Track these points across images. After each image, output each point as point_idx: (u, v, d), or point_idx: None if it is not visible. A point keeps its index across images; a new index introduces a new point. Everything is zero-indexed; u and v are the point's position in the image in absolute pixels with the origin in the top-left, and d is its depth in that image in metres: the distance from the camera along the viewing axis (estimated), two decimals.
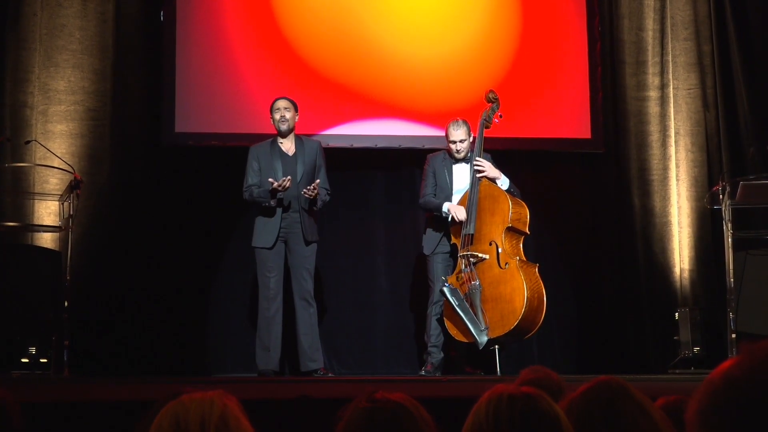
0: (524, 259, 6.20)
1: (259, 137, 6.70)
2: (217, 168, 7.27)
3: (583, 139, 7.60)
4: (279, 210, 6.21)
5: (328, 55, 7.40)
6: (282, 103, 6.35)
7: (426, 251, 6.51)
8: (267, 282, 6.17)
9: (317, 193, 6.14)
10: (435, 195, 6.46)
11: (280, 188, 6.05)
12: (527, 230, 6.26)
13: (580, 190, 7.77)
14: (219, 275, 7.32)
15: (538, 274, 6.16)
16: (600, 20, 7.74)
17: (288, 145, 6.35)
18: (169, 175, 7.23)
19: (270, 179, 6.05)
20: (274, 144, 6.34)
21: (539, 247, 7.28)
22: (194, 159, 7.29)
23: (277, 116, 6.31)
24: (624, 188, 7.61)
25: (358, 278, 7.52)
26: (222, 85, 7.30)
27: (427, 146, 7.16)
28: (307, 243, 6.25)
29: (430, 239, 6.50)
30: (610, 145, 7.66)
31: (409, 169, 7.49)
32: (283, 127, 6.30)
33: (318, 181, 6.17)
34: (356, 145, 7.36)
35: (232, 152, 7.04)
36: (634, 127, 7.62)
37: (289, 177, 6.06)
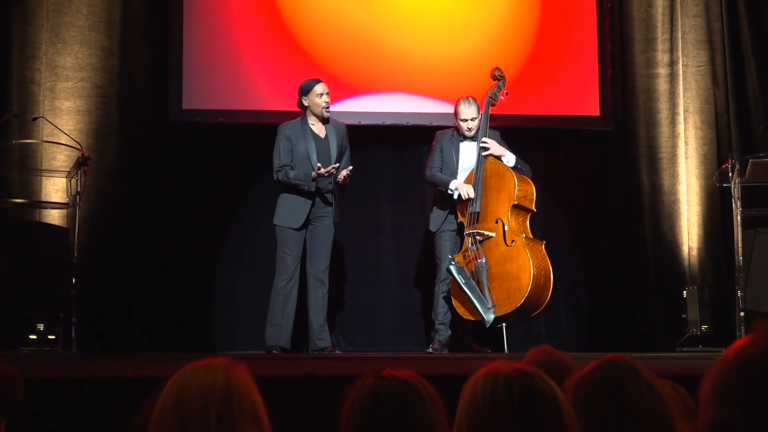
0: (531, 236, 6.18)
1: (265, 114, 6.79)
2: (224, 144, 7.29)
3: (592, 117, 7.57)
4: (311, 192, 6.20)
5: (336, 30, 7.38)
6: (324, 87, 6.25)
7: (432, 228, 6.50)
8: (285, 261, 6.17)
9: (347, 179, 6.19)
10: (441, 171, 6.44)
11: (326, 174, 6.03)
12: (534, 207, 6.24)
13: (589, 168, 7.73)
14: (225, 252, 7.32)
15: (544, 252, 6.14)
16: None
17: (319, 127, 6.30)
18: (177, 152, 7.22)
19: (319, 164, 6.02)
20: (305, 125, 6.27)
21: (547, 224, 7.26)
22: (201, 136, 7.29)
23: (323, 101, 6.20)
24: (632, 166, 7.59)
25: (365, 255, 7.51)
26: (228, 62, 7.28)
27: (435, 123, 7.13)
28: (333, 223, 6.29)
29: (437, 217, 6.49)
30: (619, 122, 7.63)
31: (417, 146, 7.45)
32: (327, 113, 6.26)
33: (351, 167, 6.19)
34: (364, 122, 7.31)
35: (239, 129, 7.14)
36: (642, 105, 7.59)
37: (337, 164, 6.09)
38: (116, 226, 6.89)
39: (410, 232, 7.51)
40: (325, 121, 6.25)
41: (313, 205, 6.16)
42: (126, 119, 7.04)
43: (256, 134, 7.06)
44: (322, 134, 6.27)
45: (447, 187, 6.30)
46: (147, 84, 7.17)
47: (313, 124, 6.25)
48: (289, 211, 6.20)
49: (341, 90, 7.01)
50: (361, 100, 7.44)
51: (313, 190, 6.12)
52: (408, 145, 7.59)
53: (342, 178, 6.10)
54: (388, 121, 7.46)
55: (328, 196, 6.24)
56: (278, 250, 6.25)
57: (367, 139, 7.25)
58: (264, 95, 7.22)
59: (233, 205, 7.34)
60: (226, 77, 7.26)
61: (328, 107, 6.21)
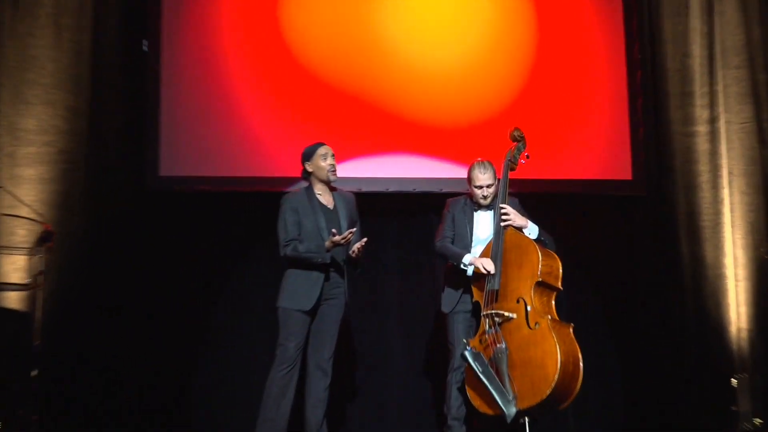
0: (557, 317, 6.02)
1: (257, 181, 6.74)
2: (209, 216, 7.20)
3: (623, 181, 7.48)
4: (322, 268, 6.10)
5: (334, 85, 7.32)
6: (328, 150, 6.26)
7: (445, 309, 6.37)
8: (287, 350, 6.07)
9: (362, 253, 6.07)
10: (453, 242, 6.33)
11: (343, 242, 5.94)
12: (559, 285, 6.08)
13: (620, 239, 7.60)
14: (209, 335, 7.25)
15: (572, 335, 5.99)
16: (640, 46, 7.63)
17: (327, 198, 6.28)
18: (154, 225, 7.11)
19: (333, 230, 5.94)
20: (311, 195, 6.24)
21: (574, 304, 7.08)
22: (182, 206, 7.18)
23: (328, 164, 6.22)
24: (670, 236, 7.42)
25: (369, 339, 7.40)
26: (213, 122, 7.20)
27: (445, 190, 7.08)
28: (345, 305, 6.23)
29: (449, 295, 6.36)
30: (654, 187, 7.54)
31: (425, 215, 7.35)
32: (334, 177, 6.24)
33: (365, 239, 6.07)
34: (366, 189, 7.20)
35: (226, 198, 7.08)
36: (680, 167, 7.45)
37: (353, 229, 6.02)
38: (84, 309, 6.69)
39: (419, 312, 7.39)
40: (332, 188, 6.23)
41: (326, 282, 6.08)
42: (96, 188, 6.89)
43: (246, 204, 6.99)
44: (331, 205, 6.24)
45: (460, 261, 6.18)
46: (119, 149, 7.07)
47: (320, 195, 6.22)
48: (299, 290, 6.09)
49: (339, 152, 6.75)
50: (362, 163, 7.33)
51: (328, 261, 6.02)
52: (415, 214, 7.48)
53: (356, 251, 6.00)
54: (393, 188, 7.35)
55: (337, 276, 6.16)
56: (280, 336, 6.11)
57: (368, 208, 7.04)
58: (255, 160, 7.12)
59: (219, 286, 7.24)
60: (210, 140, 7.17)
61: (334, 170, 6.20)
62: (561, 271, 6.09)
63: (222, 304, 7.32)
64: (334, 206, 6.23)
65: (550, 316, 5.95)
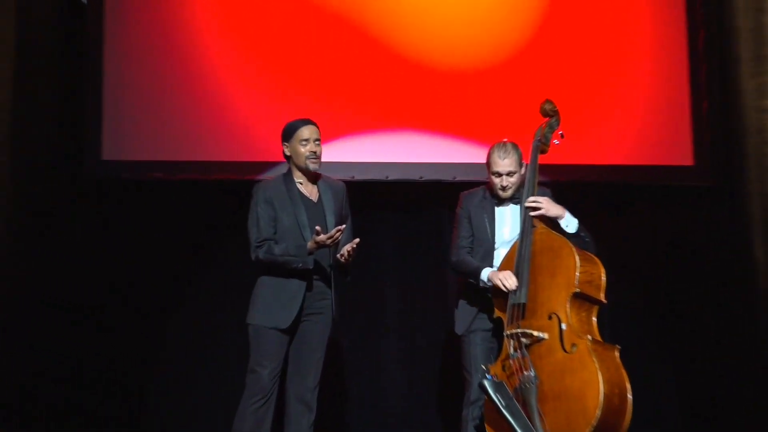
0: (599, 338, 5.56)
1: (224, 167, 6.51)
2: (161, 208, 6.96)
3: (683, 167, 7.21)
4: (303, 276, 5.69)
5: (320, 48, 7.07)
6: (312, 131, 5.78)
7: (459, 329, 5.90)
8: (260, 377, 5.66)
9: (353, 257, 5.69)
10: (473, 250, 5.86)
11: (329, 243, 5.49)
12: (602, 297, 5.61)
13: (679, 239, 7.33)
14: (163, 354, 7.04)
15: (618, 360, 5.51)
16: (703, 0, 7.36)
17: (309, 187, 5.84)
18: (94, 218, 6.90)
19: (318, 227, 5.49)
20: (290, 184, 5.81)
21: (620, 320, 6.84)
22: (128, 196, 6.95)
23: (307, 150, 5.77)
24: (742, 234, 6.94)
25: (364, 364, 7.14)
26: (170, 95, 6.96)
27: (459, 179, 6.78)
28: (333, 322, 5.83)
29: (464, 312, 5.89)
30: (721, 174, 7.19)
31: (433, 210, 7.10)
32: (314, 165, 5.78)
33: (357, 240, 5.63)
34: (360, 177, 6.89)
35: (184, 187, 6.90)
36: (754, 150, 6.94)
37: (342, 226, 5.60)
38: (5, 323, 6.38)
39: (426, 332, 7.12)
40: (316, 175, 5.83)
41: (308, 293, 5.66)
42: (21, 173, 6.56)
43: (210, 195, 6.86)
44: (314, 196, 5.81)
45: (478, 279, 5.78)
46: (52, 127, 6.82)
47: (300, 183, 5.80)
48: (274, 303, 5.66)
49: (326, 129, 6.31)
50: (355, 143, 7.02)
51: (311, 266, 5.57)
52: (420, 208, 7.21)
53: (345, 254, 5.59)
54: (394, 176, 7.03)
55: (323, 285, 5.76)
56: (251, 360, 5.65)
57: (363, 201, 6.70)
58: (221, 141, 6.84)
59: (176, 295, 7.02)
60: (165, 117, 6.93)
61: (315, 159, 5.74)
62: (605, 279, 5.67)
63: (178, 318, 7.08)
64: (319, 198, 5.79)
65: (590, 336, 5.53)
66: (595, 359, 5.35)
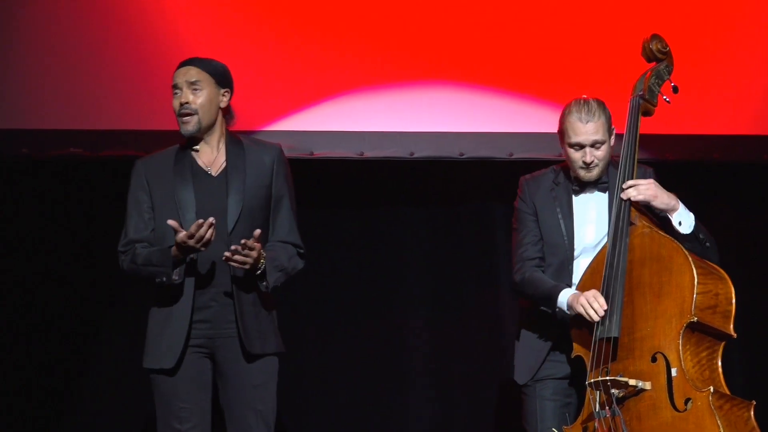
0: (725, 389, 4.44)
1: (162, 137, 5.18)
2: (81, 193, 5.97)
3: None
4: (189, 292, 4.47)
5: None
6: (186, 73, 4.62)
7: (520, 378, 4.77)
8: None
9: (260, 256, 4.42)
10: (544, 261, 4.78)
11: (190, 241, 4.29)
12: (731, 329, 4.46)
13: None
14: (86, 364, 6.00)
15: (754, 421, 4.35)
16: None
17: (209, 156, 4.65)
18: None
19: (170, 221, 4.36)
20: (183, 155, 4.66)
21: (750, 357, 5.83)
22: (38, 178, 6.00)
23: (176, 103, 4.58)
24: None
25: (380, 419, 5.93)
26: (90, 46, 5.77)
27: (517, 156, 5.72)
28: (252, 357, 4.53)
29: (529, 352, 4.80)
30: None
31: (481, 202, 6.03)
32: (189, 127, 4.55)
33: (258, 231, 4.41)
34: (371, 154, 5.75)
35: (109, 166, 5.85)
36: None
37: (211, 219, 4.32)
38: None
39: (468, 381, 5.98)
40: (236, 137, 4.77)
41: (194, 321, 4.56)
42: None
43: (91, 176, 5.95)
44: (214, 169, 4.66)
45: (554, 306, 4.70)
46: None
47: (196, 151, 4.69)
48: (156, 338, 4.59)
49: (319, 84, 5.57)
50: (364, 104, 5.77)
51: (177, 280, 4.50)
52: (461, 200, 6.06)
53: (230, 254, 4.37)
54: (422, 152, 5.83)
55: (223, 301, 4.56)
56: (157, 421, 4.59)
57: (377, 189, 5.84)
58: (157, 105, 5.53)
59: (98, 303, 5.92)
60: (86, 74, 5.79)
61: (186, 115, 4.58)
62: (734, 303, 4.50)
63: (97, 335, 5.95)
64: (223, 168, 4.59)
65: (712, 387, 4.44)
66: (719, 421, 4.27)
